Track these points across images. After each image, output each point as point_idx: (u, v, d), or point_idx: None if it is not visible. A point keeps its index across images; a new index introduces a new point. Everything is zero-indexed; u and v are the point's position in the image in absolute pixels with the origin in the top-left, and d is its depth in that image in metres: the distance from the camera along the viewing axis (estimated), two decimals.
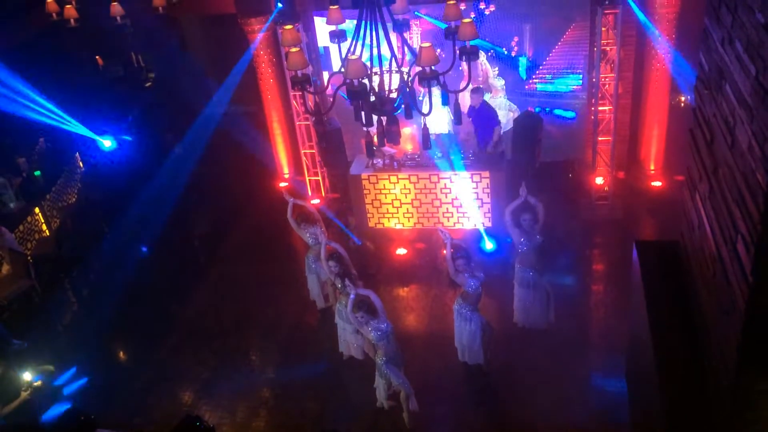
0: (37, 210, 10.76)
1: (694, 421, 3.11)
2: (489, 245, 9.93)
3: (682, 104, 11.70)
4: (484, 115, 10.22)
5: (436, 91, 5.44)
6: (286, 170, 12.78)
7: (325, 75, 11.92)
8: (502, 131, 10.42)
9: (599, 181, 10.63)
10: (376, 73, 5.53)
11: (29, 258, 9.84)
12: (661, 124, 10.87)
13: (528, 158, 10.18)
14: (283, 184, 12.23)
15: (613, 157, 10.38)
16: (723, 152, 2.91)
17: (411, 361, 7.65)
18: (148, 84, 12.33)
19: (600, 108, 10.19)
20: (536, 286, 7.97)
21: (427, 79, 5.00)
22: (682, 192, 3.98)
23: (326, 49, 11.94)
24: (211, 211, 12.57)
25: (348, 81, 5.01)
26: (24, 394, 7.32)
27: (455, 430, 7.22)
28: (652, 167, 11.23)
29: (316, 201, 11.90)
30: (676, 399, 3.18)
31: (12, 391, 7.27)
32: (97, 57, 12.63)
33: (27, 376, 7.47)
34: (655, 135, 10.99)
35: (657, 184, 11.07)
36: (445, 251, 7.34)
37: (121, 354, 9.50)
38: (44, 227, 10.85)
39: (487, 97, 12.09)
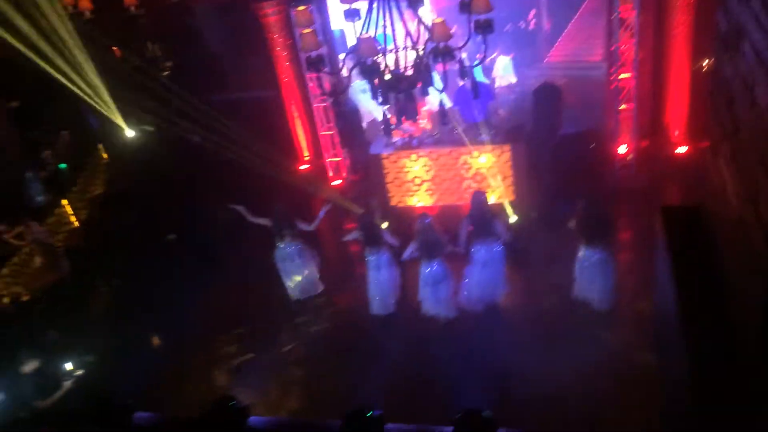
0: (64, 202, 10.94)
1: (722, 386, 3.10)
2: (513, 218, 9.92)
3: (704, 68, 11.47)
4: (468, 94, 10.15)
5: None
6: (306, 153, 12.82)
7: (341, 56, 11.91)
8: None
9: (622, 149, 10.51)
10: (391, 51, 5.51)
11: (60, 250, 10.03)
12: (683, 89, 10.68)
13: (548, 129, 10.10)
14: (304, 167, 12.26)
15: (636, 125, 10.24)
16: (743, 113, 2.87)
17: (435, 332, 7.67)
18: (165, 73, 12.40)
19: (621, 76, 10.03)
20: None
21: (441, 55, 4.98)
22: (704, 155, 3.93)
23: (342, 31, 11.93)
24: (234, 195, 12.64)
25: (361, 60, 5.01)
26: (66, 384, 7.48)
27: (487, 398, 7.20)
28: (676, 133, 11.05)
29: (337, 182, 11.95)
30: (703, 364, 3.17)
31: (51, 383, 7.41)
32: (114, 48, 12.72)
33: (67, 366, 7.62)
34: (679, 100, 10.81)
35: (682, 150, 10.90)
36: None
37: (154, 340, 9.67)
38: (72, 219, 11.03)
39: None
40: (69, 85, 10.90)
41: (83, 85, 11.46)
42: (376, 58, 5.09)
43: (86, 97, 11.44)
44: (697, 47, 10.44)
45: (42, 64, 10.54)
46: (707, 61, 11.49)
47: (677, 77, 10.62)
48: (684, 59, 10.47)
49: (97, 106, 11.59)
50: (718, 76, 3.38)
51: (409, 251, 7.91)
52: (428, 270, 7.92)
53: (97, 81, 11.61)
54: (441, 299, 8.10)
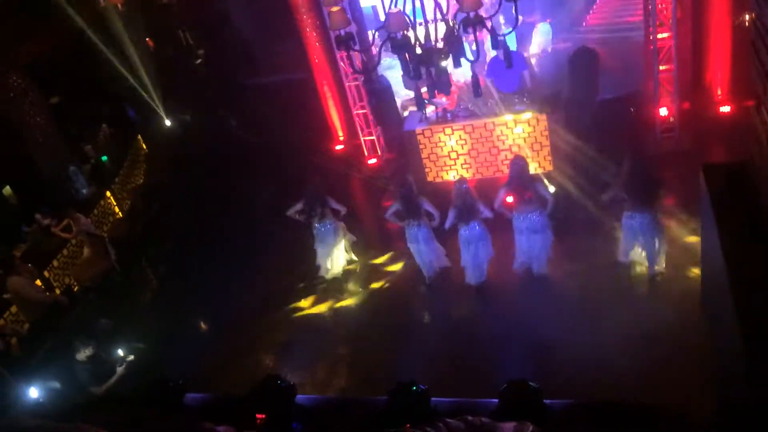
0: (108, 193, 11.18)
1: None
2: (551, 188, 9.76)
3: (747, 23, 11.04)
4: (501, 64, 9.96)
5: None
6: (340, 133, 12.82)
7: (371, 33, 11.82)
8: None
9: (663, 112, 10.22)
10: (420, 24, 5.43)
11: (106, 240, 10.27)
12: (725, 46, 10.30)
13: (586, 95, 9.88)
14: (339, 147, 12.26)
15: (677, 86, 9.93)
16: None
17: (477, 304, 7.77)
18: (198, 61, 12.52)
19: (659, 36, 9.73)
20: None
21: (472, 25, 4.87)
22: (749, 112, 3.79)
23: (374, 8, 11.84)
24: (275, 179, 12.75)
25: (391, 35, 4.95)
26: (120, 370, 7.71)
27: (531, 368, 7.17)
28: (719, 93, 10.69)
29: (373, 161, 11.94)
30: (751, 321, 3.08)
31: (105, 369, 7.63)
32: (147, 39, 12.87)
33: (121, 352, 7.84)
34: (720, 59, 10.43)
35: (726, 109, 10.54)
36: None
37: (201, 325, 9.86)
38: (117, 209, 11.27)
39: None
40: (111, 75, 11.10)
41: (124, 77, 11.68)
42: (406, 32, 5.02)
43: (128, 88, 11.65)
44: (736, 1, 10.04)
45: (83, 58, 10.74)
46: (748, 15, 11.08)
47: (718, 34, 10.24)
48: (724, 15, 10.08)
49: (138, 97, 11.79)
50: (759, 24, 3.24)
51: (451, 218, 7.94)
52: (466, 231, 7.98)
53: (136, 72, 11.81)
54: (480, 261, 8.16)
